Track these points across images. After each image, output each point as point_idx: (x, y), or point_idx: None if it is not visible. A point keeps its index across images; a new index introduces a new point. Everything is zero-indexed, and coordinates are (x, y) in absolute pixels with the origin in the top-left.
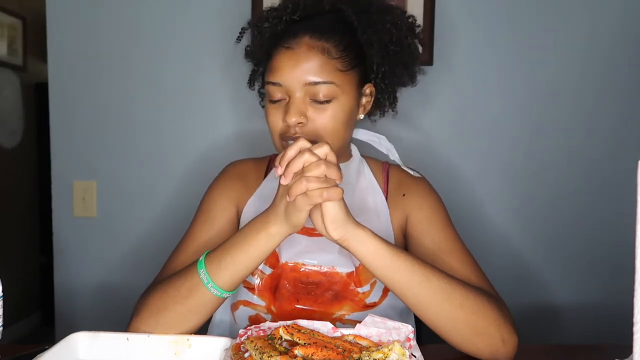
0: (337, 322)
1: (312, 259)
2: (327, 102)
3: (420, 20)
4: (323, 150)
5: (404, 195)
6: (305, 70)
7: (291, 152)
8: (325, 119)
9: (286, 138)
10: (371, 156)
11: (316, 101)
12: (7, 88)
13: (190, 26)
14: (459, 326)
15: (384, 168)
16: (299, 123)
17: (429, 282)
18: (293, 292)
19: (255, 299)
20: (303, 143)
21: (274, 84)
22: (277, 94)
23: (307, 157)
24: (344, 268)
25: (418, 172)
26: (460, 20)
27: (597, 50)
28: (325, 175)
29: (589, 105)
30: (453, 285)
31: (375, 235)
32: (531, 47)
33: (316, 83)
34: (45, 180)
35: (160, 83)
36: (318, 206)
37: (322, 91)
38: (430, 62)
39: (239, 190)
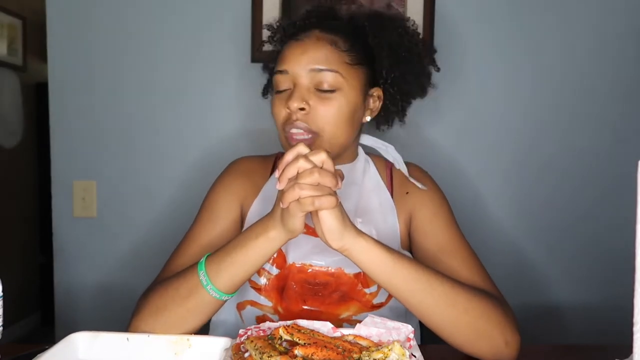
0: (344, 322)
1: (320, 260)
2: (332, 92)
3: (420, 20)
4: (319, 157)
5: (407, 192)
6: (311, 58)
7: (289, 156)
8: (328, 109)
9: (287, 126)
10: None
11: (321, 90)
12: (7, 88)
13: (191, 25)
14: (462, 330)
15: (387, 166)
16: (300, 109)
17: (432, 288)
18: (300, 293)
19: (262, 299)
20: (301, 148)
21: (280, 72)
22: (283, 83)
23: (301, 163)
24: (351, 269)
25: (423, 184)
26: (460, 21)
27: (601, 51)
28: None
29: (592, 106)
30: (457, 289)
31: (376, 242)
32: (534, 48)
33: (321, 70)
34: (45, 180)
35: (160, 83)
36: (317, 214)
37: (327, 79)
38: None
39: (245, 187)
